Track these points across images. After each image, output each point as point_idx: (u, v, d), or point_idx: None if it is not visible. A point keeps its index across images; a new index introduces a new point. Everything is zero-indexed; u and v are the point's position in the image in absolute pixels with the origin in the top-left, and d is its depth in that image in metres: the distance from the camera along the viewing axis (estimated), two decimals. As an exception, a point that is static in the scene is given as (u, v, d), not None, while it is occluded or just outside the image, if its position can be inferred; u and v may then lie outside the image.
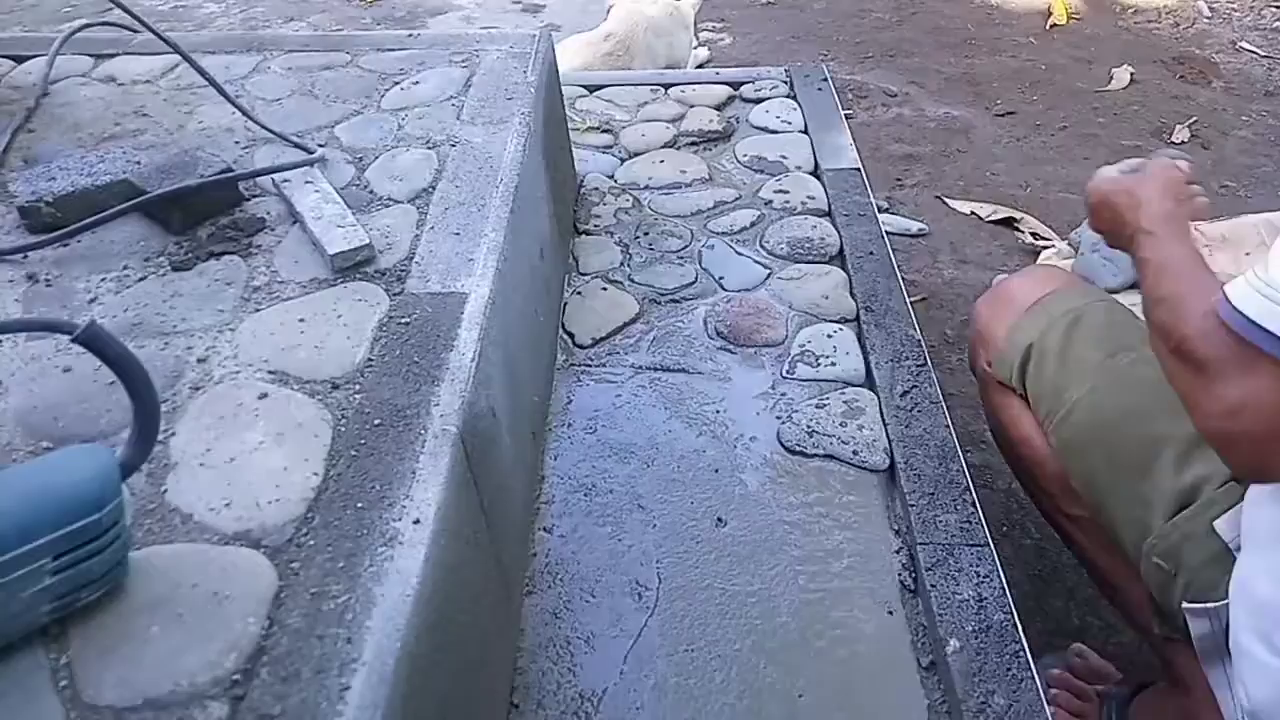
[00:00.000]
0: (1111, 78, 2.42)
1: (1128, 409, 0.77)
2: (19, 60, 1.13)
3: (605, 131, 1.47)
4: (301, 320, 0.73)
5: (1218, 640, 0.69)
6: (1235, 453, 0.59)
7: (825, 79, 1.56)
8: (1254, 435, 0.55)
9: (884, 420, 0.94)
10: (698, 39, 2.74)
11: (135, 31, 1.12)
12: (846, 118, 1.50)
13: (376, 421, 0.64)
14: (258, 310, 0.75)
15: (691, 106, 1.52)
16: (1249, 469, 0.59)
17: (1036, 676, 0.72)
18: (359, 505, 0.58)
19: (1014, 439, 0.90)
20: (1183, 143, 2.10)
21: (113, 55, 1.15)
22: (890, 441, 0.92)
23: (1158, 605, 0.75)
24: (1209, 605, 0.71)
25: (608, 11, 2.42)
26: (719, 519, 0.87)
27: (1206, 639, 0.69)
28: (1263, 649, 0.66)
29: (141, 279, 0.78)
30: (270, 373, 0.68)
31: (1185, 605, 0.72)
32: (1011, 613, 0.76)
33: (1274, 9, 2.77)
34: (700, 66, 2.65)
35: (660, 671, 0.75)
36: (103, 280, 0.78)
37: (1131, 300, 0.90)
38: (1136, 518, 0.77)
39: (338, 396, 0.66)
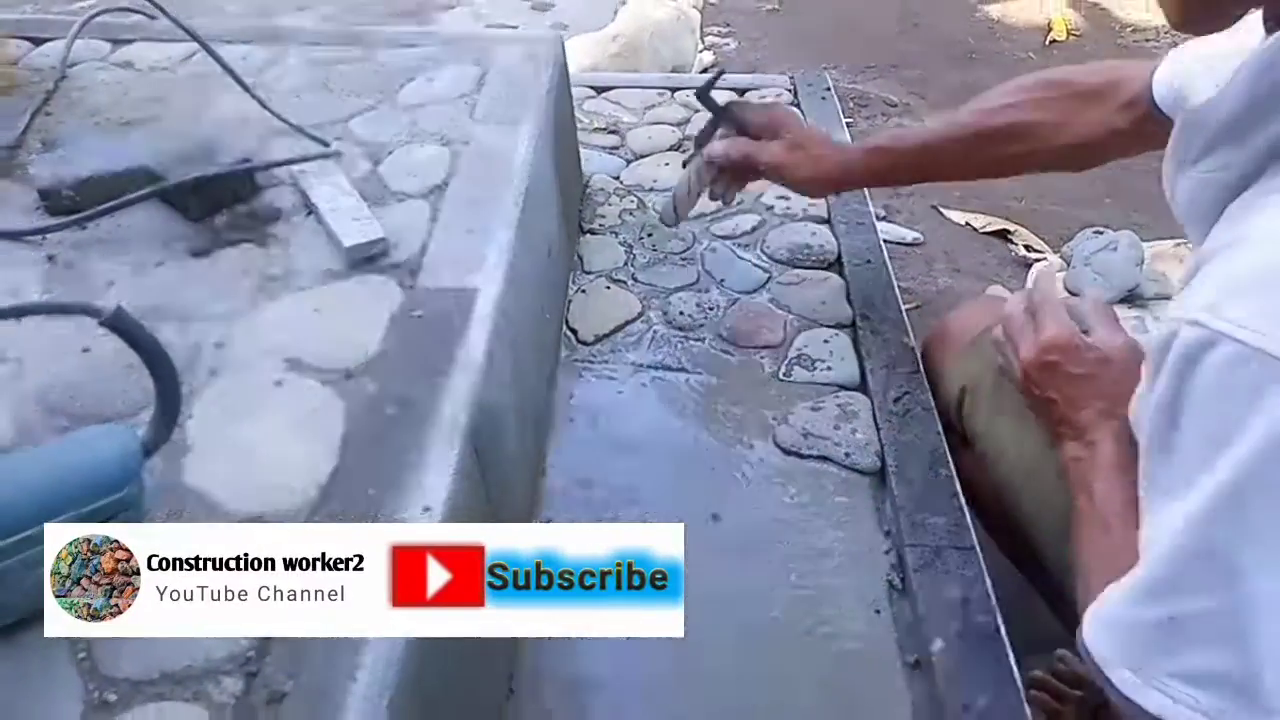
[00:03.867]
0: (1110, 95, 2.45)
1: (1050, 453, 0.75)
2: (36, 42, 1.14)
3: (612, 133, 1.49)
4: (316, 310, 0.75)
5: None
6: None
7: (828, 87, 1.58)
8: None
9: (877, 425, 0.96)
10: (703, 43, 2.76)
11: (153, 18, 1.13)
12: (848, 126, 1.52)
13: (389, 411, 0.66)
14: (273, 299, 0.76)
15: (697, 111, 1.53)
16: None
17: (1018, 677, 0.74)
18: (370, 492, 0.60)
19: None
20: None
21: (130, 41, 1.16)
22: (882, 445, 0.94)
23: None
24: None
25: (615, 12, 2.44)
26: (714, 515, 0.89)
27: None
28: None
29: (159, 264, 0.80)
30: (285, 360, 0.70)
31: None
32: (995, 615, 0.78)
33: (1271, 32, 2.80)
34: (704, 71, 2.67)
35: (653, 661, 0.77)
36: (121, 264, 0.79)
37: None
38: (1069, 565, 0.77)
39: (351, 386, 0.68)
